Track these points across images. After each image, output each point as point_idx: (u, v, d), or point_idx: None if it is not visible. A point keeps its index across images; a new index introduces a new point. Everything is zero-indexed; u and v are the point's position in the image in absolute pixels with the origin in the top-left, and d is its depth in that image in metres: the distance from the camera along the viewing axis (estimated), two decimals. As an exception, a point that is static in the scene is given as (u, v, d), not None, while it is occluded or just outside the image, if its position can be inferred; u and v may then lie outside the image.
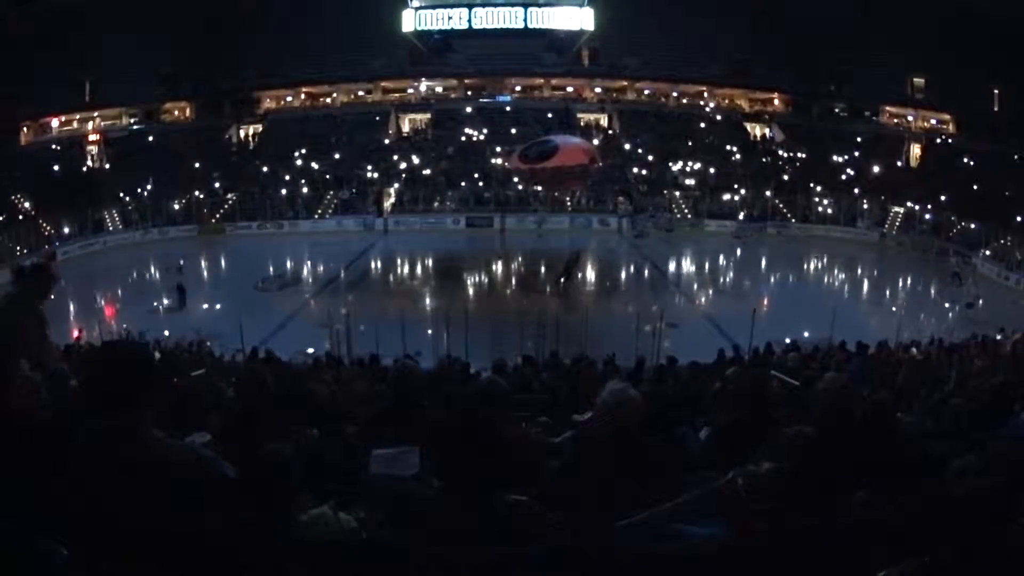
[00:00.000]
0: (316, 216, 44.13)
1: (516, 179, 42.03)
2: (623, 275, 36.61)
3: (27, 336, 5.72)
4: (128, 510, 2.53)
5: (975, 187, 40.88)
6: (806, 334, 21.08)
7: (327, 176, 46.35)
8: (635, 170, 47.03)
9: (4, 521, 2.33)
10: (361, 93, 54.95)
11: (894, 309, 28.82)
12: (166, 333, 20.93)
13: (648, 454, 3.84)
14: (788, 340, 19.14)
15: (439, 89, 55.30)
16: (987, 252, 35.56)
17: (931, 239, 38.69)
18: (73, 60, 44.63)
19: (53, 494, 2.48)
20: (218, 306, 27.39)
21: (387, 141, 50.88)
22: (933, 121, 49.24)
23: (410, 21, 52.41)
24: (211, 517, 2.75)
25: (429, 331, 23.62)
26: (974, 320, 25.20)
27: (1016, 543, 2.66)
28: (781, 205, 43.87)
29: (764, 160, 48.98)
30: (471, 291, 33.18)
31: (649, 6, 49.94)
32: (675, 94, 54.60)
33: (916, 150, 48.34)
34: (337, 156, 48.33)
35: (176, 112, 52.62)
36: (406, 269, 38.41)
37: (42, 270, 6.41)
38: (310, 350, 17.81)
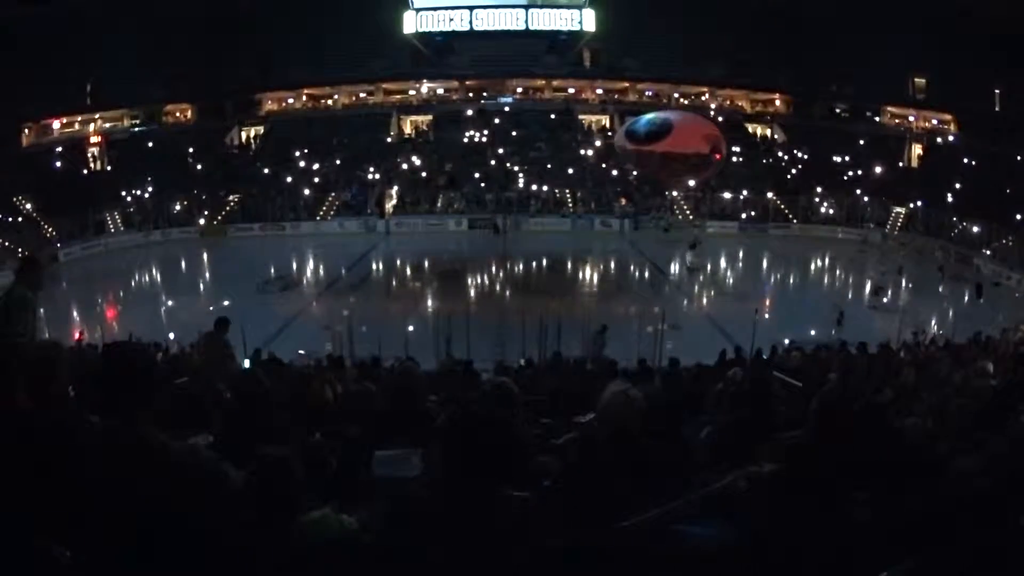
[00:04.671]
0: (318, 218, 44.19)
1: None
2: (625, 277, 36.58)
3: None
4: (129, 511, 2.53)
5: (977, 187, 40.86)
6: (812, 333, 21.10)
7: (316, 180, 46.47)
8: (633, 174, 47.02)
9: (4, 521, 2.33)
10: (363, 95, 55.01)
11: (882, 298, 28.94)
12: (171, 336, 20.90)
13: (649, 455, 3.84)
14: (790, 341, 19.13)
15: (440, 91, 55.34)
16: (988, 252, 35.58)
17: (932, 240, 38.74)
18: (75, 62, 44.66)
19: (53, 494, 2.49)
20: (220, 307, 27.40)
21: (389, 142, 50.95)
22: (934, 121, 49.21)
23: (412, 23, 52.47)
24: (212, 518, 2.75)
25: (430, 333, 23.60)
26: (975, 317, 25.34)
27: (1016, 543, 2.66)
28: (783, 206, 43.90)
29: (765, 161, 48.99)
30: (473, 292, 33.18)
31: (650, 7, 49.92)
32: (676, 95, 54.62)
33: (917, 150, 48.31)
34: (338, 159, 48.43)
35: (178, 114, 52.68)
36: (408, 271, 38.42)
37: (32, 262, 6.84)
38: (301, 351, 17.82)
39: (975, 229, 37.54)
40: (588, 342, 20.05)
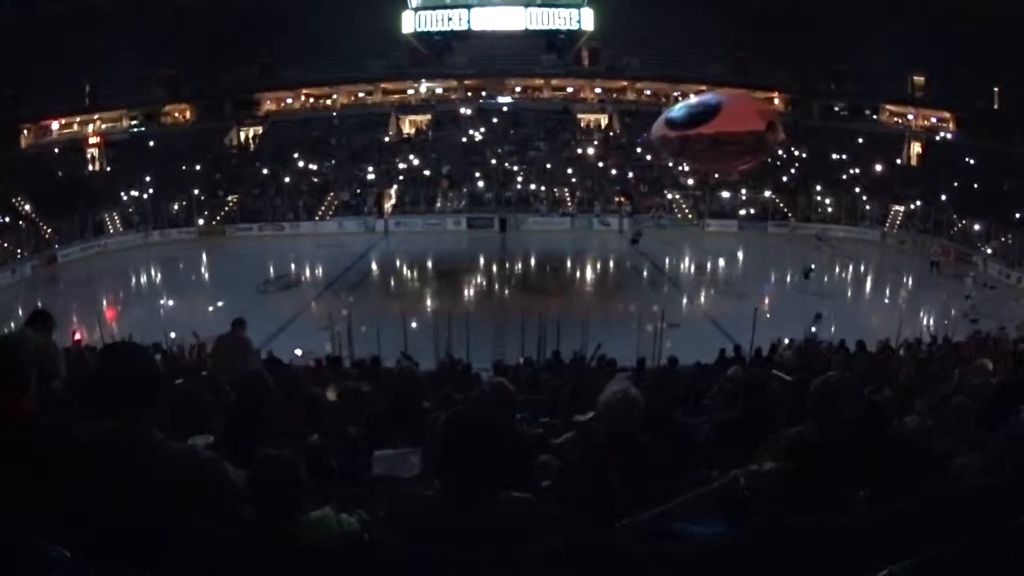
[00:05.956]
0: (316, 218, 44.20)
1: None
2: (624, 275, 36.58)
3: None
4: (129, 511, 2.53)
5: (976, 185, 40.89)
6: (812, 330, 21.12)
7: (315, 180, 46.45)
8: (630, 175, 47.09)
9: (4, 521, 2.33)
10: (361, 94, 54.92)
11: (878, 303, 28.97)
12: (172, 335, 20.87)
13: (648, 454, 3.84)
14: (789, 339, 19.14)
15: (439, 90, 55.30)
16: (988, 250, 35.60)
17: (932, 238, 38.77)
18: (73, 62, 44.65)
19: (54, 495, 2.49)
20: (220, 308, 27.36)
21: (387, 141, 50.94)
22: (933, 119, 49.18)
23: (410, 22, 52.39)
24: (212, 519, 2.75)
25: (429, 332, 23.60)
26: (979, 312, 25.39)
27: (1016, 543, 2.66)
28: (782, 204, 43.91)
29: (764, 159, 48.90)
30: (472, 292, 33.20)
31: (648, 6, 49.92)
32: (676, 94, 54.54)
33: (916, 148, 48.30)
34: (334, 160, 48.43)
35: (176, 114, 52.57)
36: (407, 270, 38.43)
37: (44, 316, 7.21)
38: (298, 351, 17.83)
39: (976, 228, 37.53)
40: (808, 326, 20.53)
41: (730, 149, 15.34)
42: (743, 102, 17.18)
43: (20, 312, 24.48)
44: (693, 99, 17.63)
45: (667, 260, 37.00)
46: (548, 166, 47.74)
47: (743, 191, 44.36)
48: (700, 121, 15.17)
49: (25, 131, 46.77)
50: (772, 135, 15.61)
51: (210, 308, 27.25)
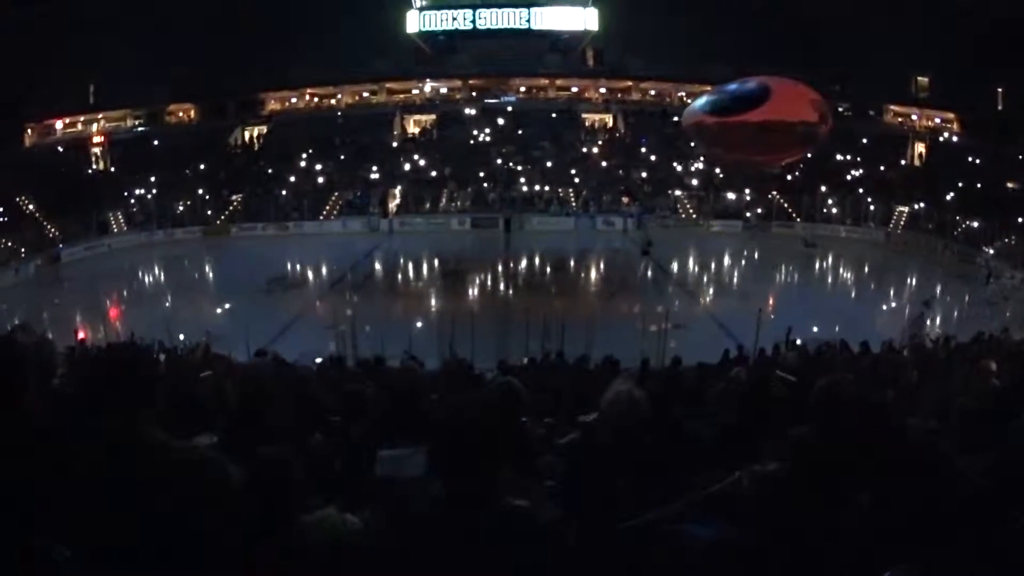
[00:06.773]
0: (321, 217, 44.23)
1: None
2: (627, 276, 36.49)
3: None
4: (130, 511, 2.53)
5: (980, 186, 40.80)
6: (814, 330, 21.03)
7: (319, 180, 46.48)
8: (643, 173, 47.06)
9: (4, 521, 2.33)
10: (366, 94, 55.02)
11: (882, 304, 28.86)
12: (181, 336, 20.86)
13: (652, 454, 3.83)
14: (792, 340, 19.05)
15: (443, 90, 55.33)
16: (992, 251, 35.53)
17: (936, 238, 38.72)
18: (77, 62, 44.65)
19: (54, 494, 2.49)
20: (224, 307, 27.35)
21: (393, 142, 50.96)
22: (937, 120, 49.09)
23: (414, 22, 52.41)
24: (214, 518, 2.75)
25: (433, 332, 23.56)
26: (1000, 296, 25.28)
27: (1017, 544, 2.65)
28: (786, 205, 43.85)
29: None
30: (476, 292, 33.17)
31: (653, 7, 49.84)
32: (680, 94, 54.52)
33: (920, 149, 48.22)
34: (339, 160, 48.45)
35: (181, 114, 52.67)
36: (411, 270, 38.41)
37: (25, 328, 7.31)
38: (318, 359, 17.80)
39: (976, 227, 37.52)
40: (913, 317, 19.58)
41: (777, 140, 14.00)
42: (795, 89, 15.64)
43: (22, 312, 24.53)
44: (733, 84, 16.10)
45: (671, 260, 36.92)
46: (552, 166, 47.74)
47: (747, 191, 44.31)
48: (747, 107, 13.84)
49: (29, 130, 46.85)
50: (824, 127, 14.30)
51: (215, 308, 27.26)
